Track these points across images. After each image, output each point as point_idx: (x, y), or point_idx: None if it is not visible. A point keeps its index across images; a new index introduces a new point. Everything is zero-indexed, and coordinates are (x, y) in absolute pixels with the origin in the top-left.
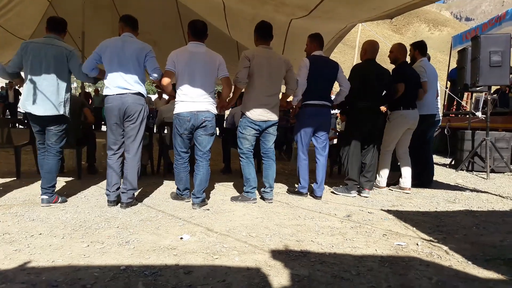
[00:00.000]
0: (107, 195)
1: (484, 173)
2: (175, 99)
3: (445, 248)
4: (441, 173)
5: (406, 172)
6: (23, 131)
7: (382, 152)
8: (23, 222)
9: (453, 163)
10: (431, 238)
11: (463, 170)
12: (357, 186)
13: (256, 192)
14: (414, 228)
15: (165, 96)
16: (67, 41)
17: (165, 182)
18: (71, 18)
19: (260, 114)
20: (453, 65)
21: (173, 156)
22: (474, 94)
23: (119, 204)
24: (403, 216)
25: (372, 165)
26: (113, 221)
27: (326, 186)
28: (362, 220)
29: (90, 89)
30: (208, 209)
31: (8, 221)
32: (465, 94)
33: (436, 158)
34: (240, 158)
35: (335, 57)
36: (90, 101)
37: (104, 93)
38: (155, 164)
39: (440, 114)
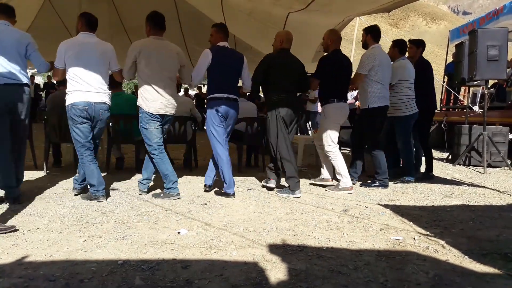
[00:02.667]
0: None
1: (481, 167)
2: (68, 89)
3: (442, 242)
4: (438, 168)
5: (344, 170)
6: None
7: (330, 150)
8: (20, 217)
9: (450, 157)
10: (428, 233)
11: (460, 164)
12: (299, 182)
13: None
14: (411, 223)
15: None
16: (64, 35)
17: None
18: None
19: (157, 107)
20: (450, 59)
21: (174, 151)
22: (471, 88)
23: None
24: (400, 210)
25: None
26: (111, 215)
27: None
28: (359, 215)
29: None
30: (205, 204)
31: (6, 216)
32: (462, 88)
33: (433, 153)
34: (152, 155)
35: None
36: None
37: None
38: None
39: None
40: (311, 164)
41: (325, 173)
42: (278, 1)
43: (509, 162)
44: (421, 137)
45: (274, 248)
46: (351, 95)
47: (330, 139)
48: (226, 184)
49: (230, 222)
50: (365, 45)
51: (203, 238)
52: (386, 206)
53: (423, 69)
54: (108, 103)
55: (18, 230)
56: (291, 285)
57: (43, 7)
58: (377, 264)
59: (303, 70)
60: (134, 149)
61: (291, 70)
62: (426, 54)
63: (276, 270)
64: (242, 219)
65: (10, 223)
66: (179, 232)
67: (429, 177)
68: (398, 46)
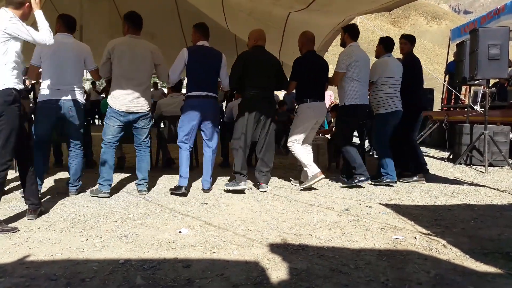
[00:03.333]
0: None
1: (482, 167)
2: (41, 86)
3: (443, 242)
4: (439, 167)
5: (306, 159)
6: None
7: (293, 145)
8: (22, 216)
9: (451, 157)
10: (429, 232)
11: (461, 164)
12: (246, 177)
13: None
14: (412, 222)
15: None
16: None
17: (164, 176)
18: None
19: (125, 105)
20: (452, 58)
21: (175, 150)
22: (473, 88)
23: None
24: (401, 210)
25: (268, 159)
26: (112, 215)
27: (327, 180)
28: (360, 214)
29: (87, 83)
30: (206, 203)
31: (7, 215)
32: (464, 88)
33: (434, 152)
34: (102, 145)
35: (333, 50)
36: (85, 95)
37: None
38: (153, 158)
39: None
40: None
41: (310, 170)
42: (278, 1)
43: (510, 161)
44: (404, 134)
45: (275, 248)
46: None
47: (295, 137)
48: (181, 177)
49: (231, 222)
50: (343, 44)
51: (204, 237)
52: (387, 205)
53: (412, 66)
54: (79, 101)
55: (19, 230)
56: (292, 284)
57: (44, 6)
58: (378, 264)
59: (279, 66)
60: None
61: (267, 66)
62: (427, 53)
63: (277, 270)
64: (243, 219)
65: (11, 222)
66: (180, 232)
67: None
68: (383, 43)
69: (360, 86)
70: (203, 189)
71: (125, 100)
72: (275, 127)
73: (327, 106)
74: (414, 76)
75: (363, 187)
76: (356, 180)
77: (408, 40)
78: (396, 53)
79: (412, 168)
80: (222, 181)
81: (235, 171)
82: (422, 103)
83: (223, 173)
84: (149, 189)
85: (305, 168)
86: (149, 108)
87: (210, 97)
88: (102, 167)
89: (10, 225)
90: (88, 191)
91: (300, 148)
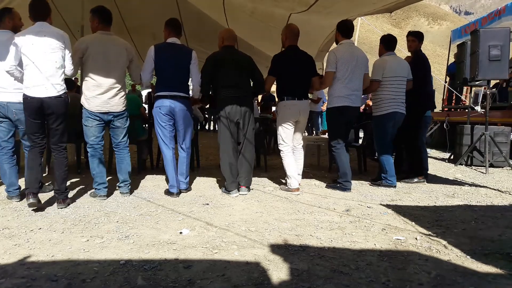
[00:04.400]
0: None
1: (483, 167)
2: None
3: (444, 242)
4: (440, 168)
5: (291, 171)
6: None
7: (281, 149)
8: (22, 217)
9: (452, 157)
10: (430, 233)
11: (462, 164)
12: (236, 183)
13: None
14: (413, 223)
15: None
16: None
17: (165, 177)
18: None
19: (98, 105)
20: (452, 59)
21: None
22: (473, 88)
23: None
24: (402, 210)
25: (247, 160)
26: (113, 215)
27: (326, 182)
28: (361, 215)
29: None
30: (207, 204)
31: (8, 216)
32: (464, 88)
33: (435, 153)
34: (88, 149)
35: None
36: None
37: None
38: (154, 158)
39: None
40: (313, 164)
41: (288, 181)
42: (279, 3)
43: (511, 162)
44: (409, 135)
45: (276, 248)
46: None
47: (281, 138)
48: (169, 183)
49: (232, 222)
50: (336, 42)
51: (205, 238)
52: (388, 206)
53: (419, 64)
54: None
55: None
56: (293, 285)
57: None
58: (379, 264)
59: (252, 65)
60: (136, 149)
61: (238, 65)
62: (428, 54)
63: (278, 270)
64: (244, 219)
65: (12, 222)
66: (181, 232)
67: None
68: (383, 41)
69: (341, 87)
70: (181, 190)
71: (98, 101)
72: (254, 126)
73: (323, 106)
74: (422, 75)
75: (364, 188)
76: (338, 185)
77: (416, 37)
78: (398, 53)
79: (406, 168)
80: (222, 182)
81: (226, 183)
82: (429, 103)
83: None
84: (148, 189)
85: (286, 177)
86: (125, 107)
87: (180, 97)
88: (93, 172)
89: (11, 225)
90: (88, 193)
91: (289, 156)
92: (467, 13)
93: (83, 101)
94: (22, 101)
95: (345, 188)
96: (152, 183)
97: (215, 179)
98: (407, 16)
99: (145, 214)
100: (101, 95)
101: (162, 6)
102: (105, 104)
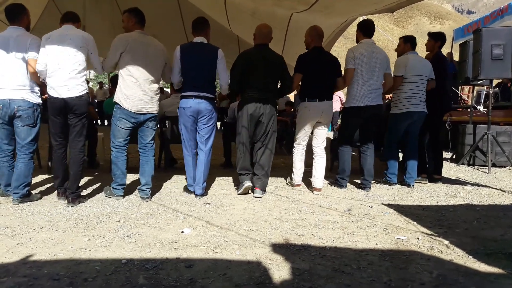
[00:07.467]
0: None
1: (485, 167)
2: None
3: (446, 242)
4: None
5: (296, 167)
6: None
7: (294, 146)
8: (24, 216)
9: (454, 157)
10: (432, 232)
11: (464, 164)
12: (250, 174)
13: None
14: (415, 222)
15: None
16: None
17: (166, 176)
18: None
19: (140, 106)
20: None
21: (178, 151)
22: (476, 88)
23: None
24: (404, 210)
25: (263, 163)
26: (114, 215)
27: (326, 180)
28: (363, 214)
29: (91, 83)
30: (209, 203)
31: (10, 215)
32: (467, 88)
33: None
34: (112, 150)
35: (336, 51)
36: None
37: None
38: (156, 158)
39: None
40: None
41: (312, 180)
42: (280, 2)
43: None
44: (420, 136)
45: (278, 248)
46: None
47: (296, 136)
48: (194, 182)
49: (234, 222)
50: (357, 41)
51: (206, 237)
52: (389, 205)
53: (436, 65)
54: (28, 100)
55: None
56: (294, 284)
57: (47, 7)
58: (380, 264)
59: (280, 64)
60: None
61: (267, 66)
62: None
63: (280, 270)
64: (246, 219)
65: (14, 221)
66: (182, 232)
67: (433, 180)
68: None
69: (361, 85)
70: (196, 195)
71: (139, 101)
72: (275, 130)
73: (339, 107)
74: (438, 77)
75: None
76: (335, 181)
77: (432, 38)
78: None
79: (431, 168)
80: (224, 181)
81: (238, 171)
82: (444, 105)
83: (225, 173)
84: (151, 189)
85: (292, 173)
86: (158, 109)
87: (205, 97)
88: (116, 173)
89: (13, 224)
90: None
91: (300, 154)
92: (469, 12)
93: (120, 100)
94: (24, 98)
95: (341, 185)
96: (154, 183)
97: (216, 179)
98: (409, 15)
99: (146, 214)
100: (143, 95)
101: (164, 6)
102: (146, 105)
